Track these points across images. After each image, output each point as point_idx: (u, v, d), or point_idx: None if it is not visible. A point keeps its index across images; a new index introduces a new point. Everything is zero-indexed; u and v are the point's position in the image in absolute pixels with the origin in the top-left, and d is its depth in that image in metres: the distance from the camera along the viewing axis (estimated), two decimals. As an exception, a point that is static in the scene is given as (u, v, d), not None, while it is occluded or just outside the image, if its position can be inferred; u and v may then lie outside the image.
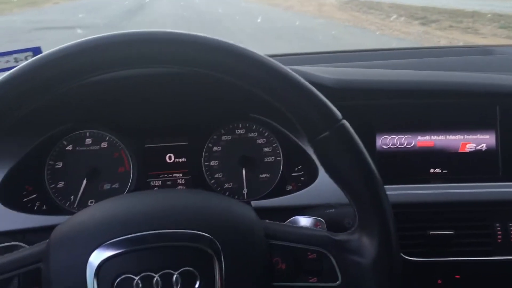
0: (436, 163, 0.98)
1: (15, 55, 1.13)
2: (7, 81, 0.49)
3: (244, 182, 1.00)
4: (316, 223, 0.63)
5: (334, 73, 0.96)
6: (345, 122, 0.54)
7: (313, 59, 1.24)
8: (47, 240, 0.53)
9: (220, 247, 0.51)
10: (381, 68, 1.10)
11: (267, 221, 0.58)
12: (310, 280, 0.56)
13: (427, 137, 0.98)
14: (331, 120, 0.53)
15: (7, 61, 1.11)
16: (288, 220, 0.64)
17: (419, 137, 0.98)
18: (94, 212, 0.55)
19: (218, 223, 0.53)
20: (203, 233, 0.51)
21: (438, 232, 0.88)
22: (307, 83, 0.53)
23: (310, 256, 0.56)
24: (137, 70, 0.85)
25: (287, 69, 0.53)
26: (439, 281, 0.90)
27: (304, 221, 0.64)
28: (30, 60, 0.50)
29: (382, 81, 0.96)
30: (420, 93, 0.96)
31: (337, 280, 0.55)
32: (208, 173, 1.00)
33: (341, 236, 0.57)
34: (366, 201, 0.54)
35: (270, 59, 0.53)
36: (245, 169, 1.00)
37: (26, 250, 0.56)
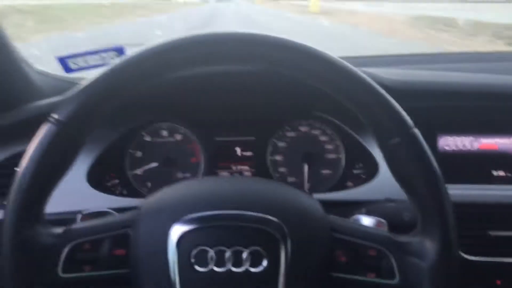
0: (499, 166, 0.99)
1: (101, 54, 1.24)
2: (113, 72, 0.56)
3: (306, 177, 1.05)
4: (378, 223, 0.66)
5: (396, 75, 0.98)
6: (416, 130, 0.56)
7: (375, 61, 1.27)
8: (137, 210, 0.60)
9: (287, 233, 0.55)
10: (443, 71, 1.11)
11: (332, 216, 0.62)
12: (369, 276, 0.59)
13: (490, 140, 0.98)
14: (403, 127, 0.55)
15: (95, 59, 1.22)
16: (351, 218, 0.68)
17: (481, 139, 0.98)
18: (181, 188, 0.62)
19: (288, 211, 0.58)
20: (273, 218, 0.56)
21: (499, 233, 0.88)
22: (382, 90, 0.56)
23: (370, 253, 0.59)
24: (211, 68, 0.93)
25: (364, 75, 0.56)
26: (498, 282, 0.90)
27: (367, 220, 0.67)
28: (140, 50, 0.56)
29: (444, 82, 0.98)
30: (483, 95, 0.97)
31: (395, 278, 0.58)
32: (272, 167, 1.06)
33: (402, 238, 0.60)
34: (430, 207, 0.56)
35: (349, 64, 0.56)
36: (307, 164, 1.05)
37: (117, 216, 0.63)
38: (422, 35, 9.46)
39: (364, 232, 0.61)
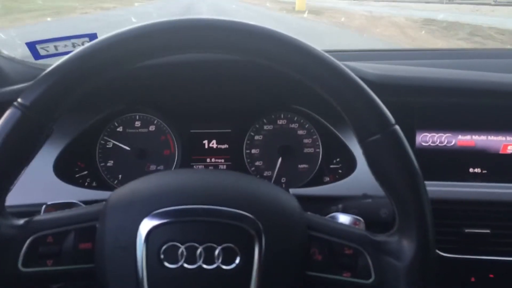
0: (476, 163, 0.98)
1: (72, 40, 1.19)
2: (80, 56, 0.53)
3: (276, 170, 1.03)
4: (355, 222, 0.64)
5: (378, 69, 0.97)
6: (397, 127, 0.55)
7: (359, 56, 1.26)
8: (104, 202, 0.57)
9: (262, 229, 0.53)
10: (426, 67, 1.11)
11: (309, 213, 0.60)
12: (344, 275, 0.57)
13: (468, 137, 0.98)
14: (384, 123, 0.54)
15: (65, 46, 1.18)
16: (328, 216, 0.66)
17: (459, 136, 0.98)
18: (151, 181, 0.59)
19: (263, 207, 0.56)
20: (248, 214, 0.53)
21: (474, 231, 0.88)
22: (364, 85, 0.54)
23: (346, 252, 0.57)
24: (187, 57, 0.90)
25: (346, 68, 0.54)
26: (473, 279, 0.90)
27: (344, 218, 0.66)
28: (106, 36, 0.53)
29: (425, 78, 0.97)
30: (463, 92, 0.96)
31: (370, 278, 0.57)
32: (248, 160, 1.04)
33: (380, 237, 0.58)
34: (409, 207, 0.55)
35: (330, 57, 0.54)
36: (284, 159, 1.03)
37: (84, 208, 0.60)
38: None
39: (341, 230, 0.59)
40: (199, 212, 0.53)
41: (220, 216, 0.53)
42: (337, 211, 0.82)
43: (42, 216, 0.58)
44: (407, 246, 0.55)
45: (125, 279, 0.53)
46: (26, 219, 0.57)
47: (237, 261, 0.52)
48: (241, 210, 0.54)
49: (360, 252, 0.57)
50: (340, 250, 0.58)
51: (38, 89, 0.52)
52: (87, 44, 0.54)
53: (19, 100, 0.52)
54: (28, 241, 0.54)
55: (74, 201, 0.71)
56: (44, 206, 0.68)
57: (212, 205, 0.54)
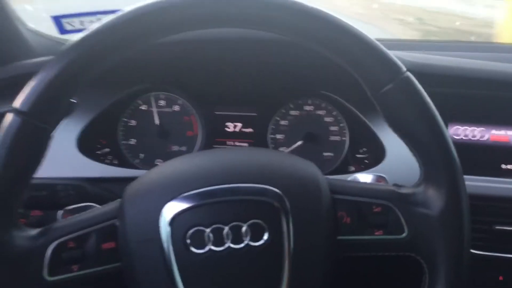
0: (509, 159, 0.95)
1: (99, 16, 1.18)
2: (109, 26, 0.50)
3: (306, 158, 1.01)
4: (378, 179, 0.62)
5: (411, 57, 0.94)
6: (409, 74, 0.53)
7: (391, 45, 1.22)
8: (119, 199, 0.55)
9: (287, 201, 0.52)
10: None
11: (330, 177, 0.59)
12: (376, 233, 0.55)
13: (502, 132, 0.94)
14: (395, 72, 0.52)
15: (91, 21, 1.16)
16: (350, 177, 0.64)
17: (493, 131, 0.94)
18: (164, 169, 0.57)
19: (283, 178, 0.54)
20: (271, 187, 0.52)
21: (504, 228, 0.85)
22: (368, 36, 0.52)
23: (375, 210, 0.56)
24: (215, 35, 0.88)
25: (347, 22, 0.52)
26: (501, 278, 0.87)
27: (365, 177, 0.63)
28: (129, 9, 0.51)
29: (459, 68, 0.93)
30: (499, 84, 0.92)
31: (403, 232, 0.55)
32: (273, 145, 1.01)
33: (406, 190, 0.56)
34: (431, 152, 0.53)
35: (330, 12, 0.52)
36: (309, 145, 1.01)
37: (100, 208, 0.57)
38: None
39: (365, 189, 0.57)
40: (220, 192, 0.52)
41: (241, 193, 0.52)
42: None
43: (59, 223, 0.55)
44: (435, 194, 0.54)
45: (154, 271, 0.51)
46: (42, 228, 0.54)
47: (266, 236, 0.51)
48: (262, 184, 0.52)
49: (389, 208, 0.55)
50: (368, 209, 0.56)
51: (59, 62, 0.50)
52: (107, 18, 0.51)
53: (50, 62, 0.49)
54: (49, 250, 0.52)
55: (89, 204, 0.70)
56: (61, 212, 0.67)
57: (231, 183, 0.52)
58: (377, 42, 0.52)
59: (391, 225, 0.55)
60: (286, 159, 0.59)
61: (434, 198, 0.54)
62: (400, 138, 0.55)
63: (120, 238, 0.53)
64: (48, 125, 0.50)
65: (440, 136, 0.53)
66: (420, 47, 1.17)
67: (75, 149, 0.87)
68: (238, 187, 0.52)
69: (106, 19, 0.51)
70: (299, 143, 1.01)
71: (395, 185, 0.58)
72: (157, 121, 1.00)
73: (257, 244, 0.50)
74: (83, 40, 0.50)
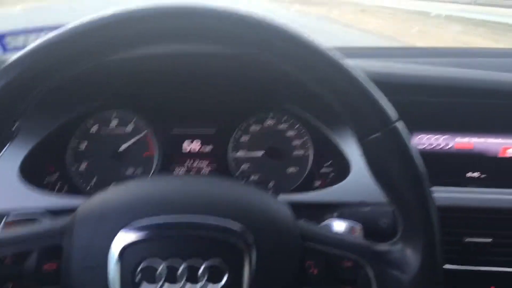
0: (474, 166, 0.94)
1: (45, 32, 1.11)
2: (52, 43, 0.46)
3: (270, 175, 0.97)
4: (352, 228, 0.59)
5: (373, 67, 0.91)
6: (398, 124, 0.49)
7: (353, 53, 1.20)
8: (71, 216, 0.51)
9: (252, 242, 0.48)
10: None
11: (303, 221, 0.55)
12: None
13: (466, 139, 0.93)
14: (385, 120, 0.49)
15: (37, 38, 1.09)
16: (323, 223, 0.61)
17: (457, 139, 0.93)
18: (124, 190, 0.52)
19: (253, 217, 0.50)
20: (237, 225, 0.48)
21: (474, 240, 0.83)
22: (364, 79, 0.49)
23: (346, 264, 0.52)
24: (168, 50, 0.83)
25: (343, 60, 0.49)
26: None
27: (339, 225, 0.60)
28: (78, 22, 0.47)
29: (421, 76, 0.92)
30: (461, 91, 0.91)
31: None
32: (234, 163, 0.97)
33: (382, 247, 0.53)
34: (414, 211, 0.50)
35: (326, 47, 0.49)
36: (272, 161, 0.97)
37: (48, 223, 0.53)
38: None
39: (339, 240, 0.54)
40: (180, 224, 0.48)
41: (204, 228, 0.48)
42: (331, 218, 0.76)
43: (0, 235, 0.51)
44: (412, 256, 0.50)
45: None
46: None
47: (225, 278, 0.47)
48: (227, 220, 0.48)
49: (361, 265, 0.52)
50: (338, 262, 0.52)
51: None
52: (50, 35, 0.47)
53: None
54: None
55: (37, 212, 0.64)
56: (2, 222, 0.61)
57: (195, 215, 0.48)
58: (372, 86, 0.49)
59: (360, 283, 0.52)
60: (258, 196, 0.55)
61: (410, 261, 0.51)
62: (381, 189, 0.52)
63: (63, 260, 0.49)
64: (6, 120, 0.47)
65: (424, 197, 0.50)
66: (380, 54, 1.16)
67: (18, 178, 0.80)
68: (201, 220, 0.48)
69: (48, 35, 0.47)
70: (260, 153, 0.97)
71: (371, 241, 0.55)
72: (110, 142, 0.94)
73: (214, 285, 0.47)
74: (20, 59, 0.46)
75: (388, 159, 0.49)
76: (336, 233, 0.56)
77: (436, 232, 0.50)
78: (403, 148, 0.49)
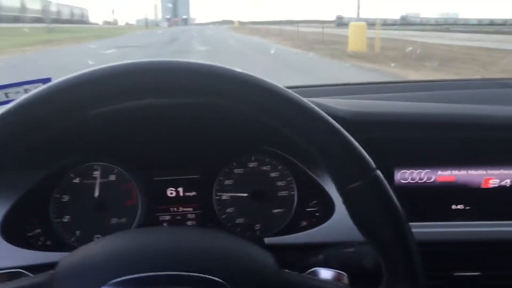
0: (458, 199, 0.94)
1: (25, 86, 1.11)
2: (31, 101, 0.47)
3: (256, 217, 0.96)
4: (338, 277, 0.58)
5: (350, 105, 0.93)
6: (378, 172, 0.51)
7: (327, 91, 1.22)
8: (52, 271, 0.50)
9: None
10: (398, 101, 1.07)
11: (286, 271, 0.54)
12: None
13: (448, 172, 0.94)
14: (365, 169, 0.50)
15: (17, 92, 1.10)
16: (308, 271, 0.60)
17: (439, 172, 0.93)
18: (105, 245, 0.52)
19: (233, 269, 0.50)
20: (216, 279, 0.47)
21: (464, 274, 0.82)
22: (340, 128, 0.50)
23: None
24: (147, 101, 0.84)
25: (319, 110, 0.50)
26: None
27: (325, 273, 0.60)
28: (61, 79, 0.48)
29: (400, 113, 0.93)
30: (440, 126, 0.93)
31: None
32: (219, 207, 0.96)
33: None
34: (397, 257, 0.51)
35: (302, 98, 0.50)
36: (257, 203, 0.96)
37: (27, 279, 0.52)
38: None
39: None
40: (160, 280, 0.47)
41: (185, 283, 0.47)
42: (317, 263, 0.75)
43: None
44: None
45: None
46: None
47: None
48: (208, 274, 0.47)
49: None
50: None
51: None
52: (32, 92, 0.48)
53: None
54: None
55: (17, 269, 0.63)
56: None
57: (176, 270, 0.47)
58: (347, 134, 0.50)
59: None
60: (238, 245, 0.54)
61: None
62: (363, 236, 0.53)
63: None
64: None
65: (405, 244, 0.51)
66: (346, 91, 1.18)
67: None
68: (178, 275, 0.47)
69: (29, 92, 0.48)
70: (245, 195, 0.96)
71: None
72: (92, 194, 0.93)
73: None
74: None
75: (369, 208, 0.50)
76: (322, 282, 0.56)
77: (421, 280, 0.50)
78: (384, 196, 0.50)
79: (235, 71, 0.50)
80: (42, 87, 0.48)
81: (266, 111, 0.50)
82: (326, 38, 17.71)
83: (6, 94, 1.08)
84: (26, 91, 1.09)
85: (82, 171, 0.93)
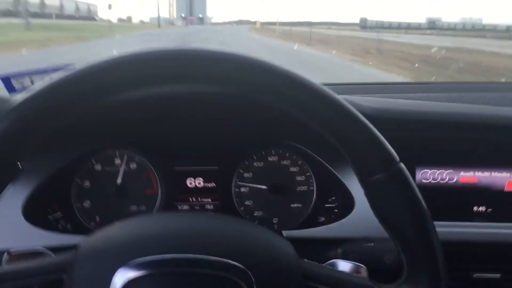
0: (480, 201, 0.93)
1: (51, 73, 1.13)
2: (53, 87, 0.48)
3: (274, 211, 0.96)
4: (357, 269, 0.58)
5: (375, 103, 0.92)
6: (402, 165, 0.50)
7: (354, 89, 1.21)
8: (74, 251, 0.51)
9: (254, 281, 0.47)
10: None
11: (306, 260, 0.54)
12: None
13: (471, 173, 0.92)
14: (388, 161, 0.50)
15: (42, 78, 1.11)
16: (327, 263, 0.60)
17: (462, 173, 0.92)
18: (125, 228, 0.52)
19: (254, 255, 0.49)
20: (238, 264, 0.47)
21: (483, 275, 0.81)
22: (365, 120, 0.50)
23: None
24: (171, 90, 0.84)
25: (345, 102, 0.50)
26: None
27: (344, 265, 0.59)
28: (83, 66, 0.49)
29: (423, 112, 0.92)
30: (464, 126, 0.91)
31: None
32: (237, 199, 0.96)
33: None
34: (419, 252, 0.50)
35: (328, 89, 0.50)
36: (276, 197, 0.96)
37: (50, 258, 0.54)
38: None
39: (342, 280, 0.53)
40: (181, 262, 0.47)
41: (205, 266, 0.47)
42: (336, 256, 0.74)
43: (2, 268, 0.51)
44: None
45: None
46: None
47: None
48: (229, 259, 0.47)
49: None
50: None
51: (3, 123, 0.47)
52: (50, 79, 0.49)
53: None
54: None
55: (40, 249, 0.64)
56: (4, 256, 0.60)
57: (196, 253, 0.47)
58: (372, 127, 0.50)
59: None
60: (260, 235, 0.54)
61: None
62: (385, 229, 0.52)
63: None
64: (11, 159, 0.48)
65: (428, 238, 0.50)
66: (375, 90, 1.17)
67: (21, 217, 0.80)
68: (202, 259, 0.47)
69: (52, 78, 0.48)
70: (264, 189, 0.96)
71: (376, 282, 0.54)
72: (113, 181, 0.94)
73: None
74: (23, 102, 0.48)
75: (391, 200, 0.50)
76: (338, 272, 0.55)
77: (442, 274, 0.50)
78: (407, 189, 0.50)
79: (262, 61, 0.50)
80: (70, 70, 0.49)
81: (289, 100, 0.50)
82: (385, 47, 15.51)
83: (32, 81, 1.10)
84: (51, 78, 1.11)
85: (104, 158, 0.94)
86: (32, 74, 1.11)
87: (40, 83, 0.48)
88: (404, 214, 0.50)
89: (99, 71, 0.48)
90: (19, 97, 0.48)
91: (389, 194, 0.50)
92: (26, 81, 1.09)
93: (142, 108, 0.89)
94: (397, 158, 0.50)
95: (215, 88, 0.51)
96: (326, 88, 0.50)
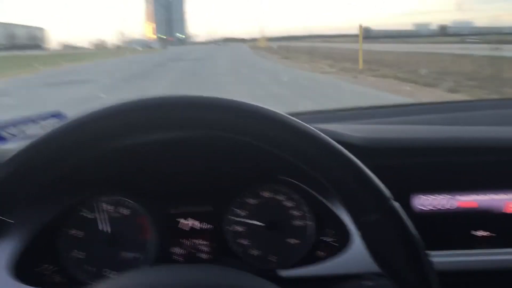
0: (479, 225, 0.91)
1: (41, 122, 1.12)
2: (57, 134, 0.48)
3: (271, 249, 0.94)
4: None
5: (364, 131, 0.91)
6: (395, 203, 0.50)
7: (338, 116, 1.20)
8: None
9: None
10: (411, 124, 1.05)
11: None
12: None
13: (468, 197, 0.91)
14: (380, 200, 0.49)
15: (34, 129, 1.10)
16: None
17: (458, 197, 0.91)
18: (117, 284, 0.50)
19: None
20: None
21: None
22: (353, 158, 0.49)
23: None
24: (157, 135, 0.84)
25: (331, 140, 0.49)
26: None
27: None
28: (76, 117, 0.49)
29: (415, 138, 0.91)
30: (457, 150, 0.90)
31: None
32: (233, 239, 0.94)
33: None
34: None
35: (315, 129, 0.50)
36: (273, 234, 0.94)
37: None
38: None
39: None
40: None
41: None
42: None
43: None
44: None
45: None
46: None
47: None
48: None
49: None
50: None
51: None
52: (45, 132, 0.49)
53: None
54: None
55: None
56: None
57: None
58: (361, 164, 0.50)
59: None
60: (248, 284, 0.52)
61: None
62: (380, 269, 0.51)
63: None
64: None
65: (425, 279, 0.49)
66: (358, 115, 1.16)
67: (7, 277, 0.77)
68: None
69: (48, 128, 0.49)
70: (259, 226, 0.94)
71: None
72: (105, 228, 0.92)
73: None
74: (17, 155, 0.48)
75: (385, 240, 0.49)
76: None
77: None
78: (401, 228, 0.49)
79: (244, 103, 0.50)
80: (62, 122, 0.49)
81: (275, 144, 0.50)
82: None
83: (20, 130, 1.09)
84: (42, 127, 1.11)
85: (93, 206, 0.92)
86: (19, 123, 1.10)
87: (30, 131, 0.49)
88: (397, 253, 0.49)
89: (107, 117, 0.49)
90: (11, 147, 0.48)
91: (382, 233, 0.49)
92: (13, 130, 1.08)
93: (132, 154, 0.88)
94: (388, 196, 0.49)
95: (197, 134, 0.51)
96: (310, 127, 0.50)
